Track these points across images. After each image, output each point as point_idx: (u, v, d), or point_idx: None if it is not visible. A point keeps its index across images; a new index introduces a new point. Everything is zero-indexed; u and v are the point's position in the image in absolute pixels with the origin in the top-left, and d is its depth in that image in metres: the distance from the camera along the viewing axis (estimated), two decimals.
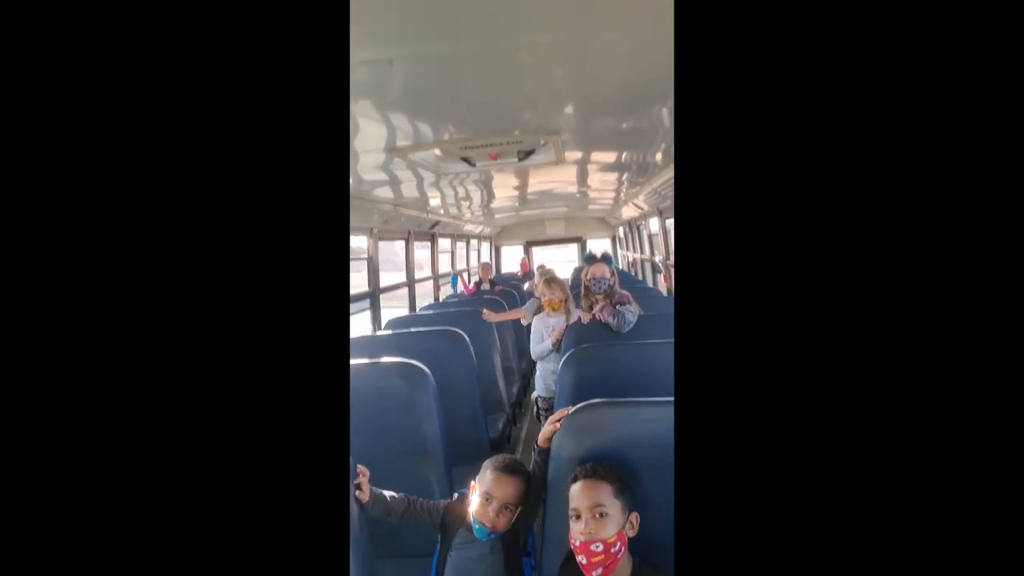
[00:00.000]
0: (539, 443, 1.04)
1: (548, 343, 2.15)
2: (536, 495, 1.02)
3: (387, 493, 1.06)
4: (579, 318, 1.96)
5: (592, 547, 0.83)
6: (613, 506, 0.86)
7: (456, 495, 1.09)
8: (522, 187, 3.00)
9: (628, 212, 4.41)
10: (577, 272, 3.47)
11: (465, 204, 3.36)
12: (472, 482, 1.05)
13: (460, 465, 1.70)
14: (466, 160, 1.75)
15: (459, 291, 3.81)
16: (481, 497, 1.00)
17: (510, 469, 1.02)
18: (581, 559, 0.84)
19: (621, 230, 5.98)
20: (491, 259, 6.76)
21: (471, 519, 1.00)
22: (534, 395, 2.28)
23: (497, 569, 1.01)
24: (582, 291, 2.08)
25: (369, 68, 0.87)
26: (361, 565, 0.96)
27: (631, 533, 0.87)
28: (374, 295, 2.85)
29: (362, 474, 1.02)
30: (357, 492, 1.00)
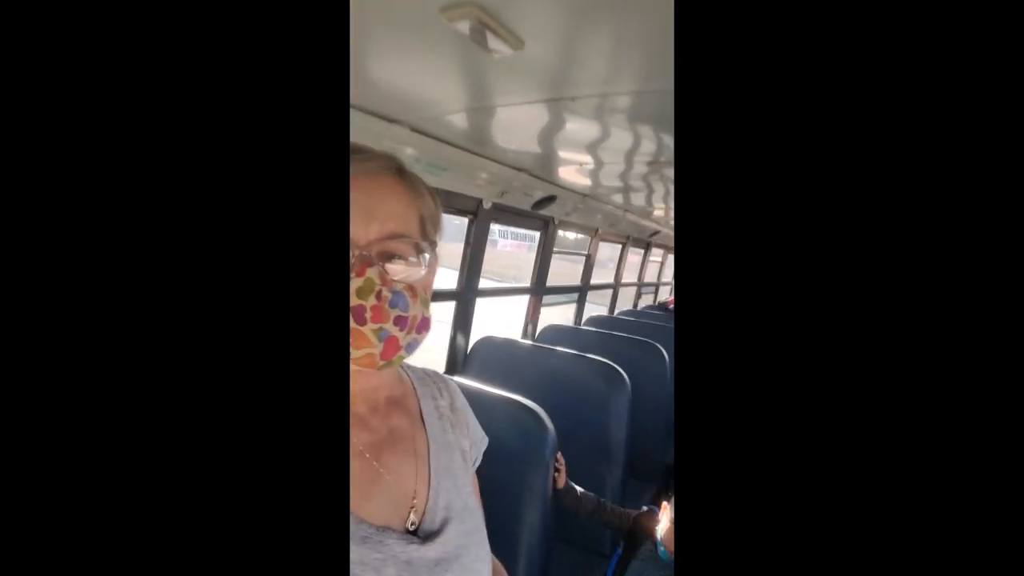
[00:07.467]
0: None
1: None
2: None
3: (579, 488, 1.13)
4: None
5: None
6: None
7: (646, 508, 1.11)
8: None
9: None
10: None
11: None
12: (665, 503, 1.06)
13: (633, 479, 1.70)
14: None
15: None
16: (671, 523, 1.01)
17: None
18: None
19: None
20: None
21: (658, 539, 1.02)
22: None
23: None
24: None
25: None
26: (545, 545, 1.05)
27: None
28: (583, 290, 2.99)
29: (559, 461, 1.11)
30: (556, 475, 1.09)
